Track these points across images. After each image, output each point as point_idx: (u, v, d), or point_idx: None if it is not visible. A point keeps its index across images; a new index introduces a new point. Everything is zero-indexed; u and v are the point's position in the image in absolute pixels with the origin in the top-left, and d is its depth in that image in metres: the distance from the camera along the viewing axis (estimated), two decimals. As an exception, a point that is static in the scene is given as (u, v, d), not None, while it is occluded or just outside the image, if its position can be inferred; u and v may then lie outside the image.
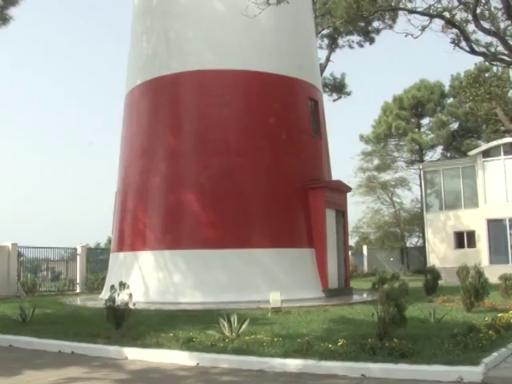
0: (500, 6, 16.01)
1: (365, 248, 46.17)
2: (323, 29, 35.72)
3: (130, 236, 19.55)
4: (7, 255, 23.09)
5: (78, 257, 26.95)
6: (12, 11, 17.77)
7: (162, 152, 19.04)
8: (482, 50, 18.04)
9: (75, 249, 27.25)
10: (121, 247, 19.93)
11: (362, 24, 34.82)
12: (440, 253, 34.11)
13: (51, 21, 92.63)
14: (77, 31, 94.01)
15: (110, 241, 30.53)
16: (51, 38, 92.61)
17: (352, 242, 47.56)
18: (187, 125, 19.06)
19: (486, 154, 33.36)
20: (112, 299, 10.45)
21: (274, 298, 13.83)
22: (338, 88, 39.64)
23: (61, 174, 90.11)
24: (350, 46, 38.30)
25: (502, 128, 38.39)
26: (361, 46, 38.06)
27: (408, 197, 53.46)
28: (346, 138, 74.75)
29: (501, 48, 17.61)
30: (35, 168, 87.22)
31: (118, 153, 21.58)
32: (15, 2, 17.53)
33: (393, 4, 15.34)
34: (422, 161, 45.57)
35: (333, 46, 37.85)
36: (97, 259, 29.36)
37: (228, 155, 18.33)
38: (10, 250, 23.25)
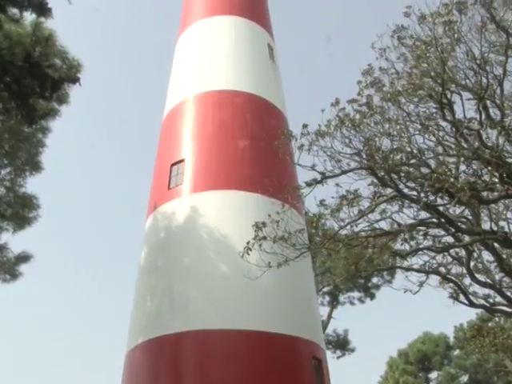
0: (492, 258, 16.51)
1: None
2: (324, 286, 36.48)
3: None
4: None
5: None
6: (22, 267, 18.26)
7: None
8: (481, 301, 18.19)
9: None
10: None
11: (362, 281, 35.66)
12: None
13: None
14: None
15: None
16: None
17: None
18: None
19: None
20: None
21: None
22: (341, 345, 39.18)
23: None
24: (351, 303, 38.76)
25: (514, 380, 37.09)
26: (362, 301, 38.55)
27: None
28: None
29: (499, 299, 17.79)
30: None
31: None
32: (27, 260, 18.10)
33: (389, 263, 15.90)
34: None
35: (334, 302, 38.30)
36: None
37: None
38: None
